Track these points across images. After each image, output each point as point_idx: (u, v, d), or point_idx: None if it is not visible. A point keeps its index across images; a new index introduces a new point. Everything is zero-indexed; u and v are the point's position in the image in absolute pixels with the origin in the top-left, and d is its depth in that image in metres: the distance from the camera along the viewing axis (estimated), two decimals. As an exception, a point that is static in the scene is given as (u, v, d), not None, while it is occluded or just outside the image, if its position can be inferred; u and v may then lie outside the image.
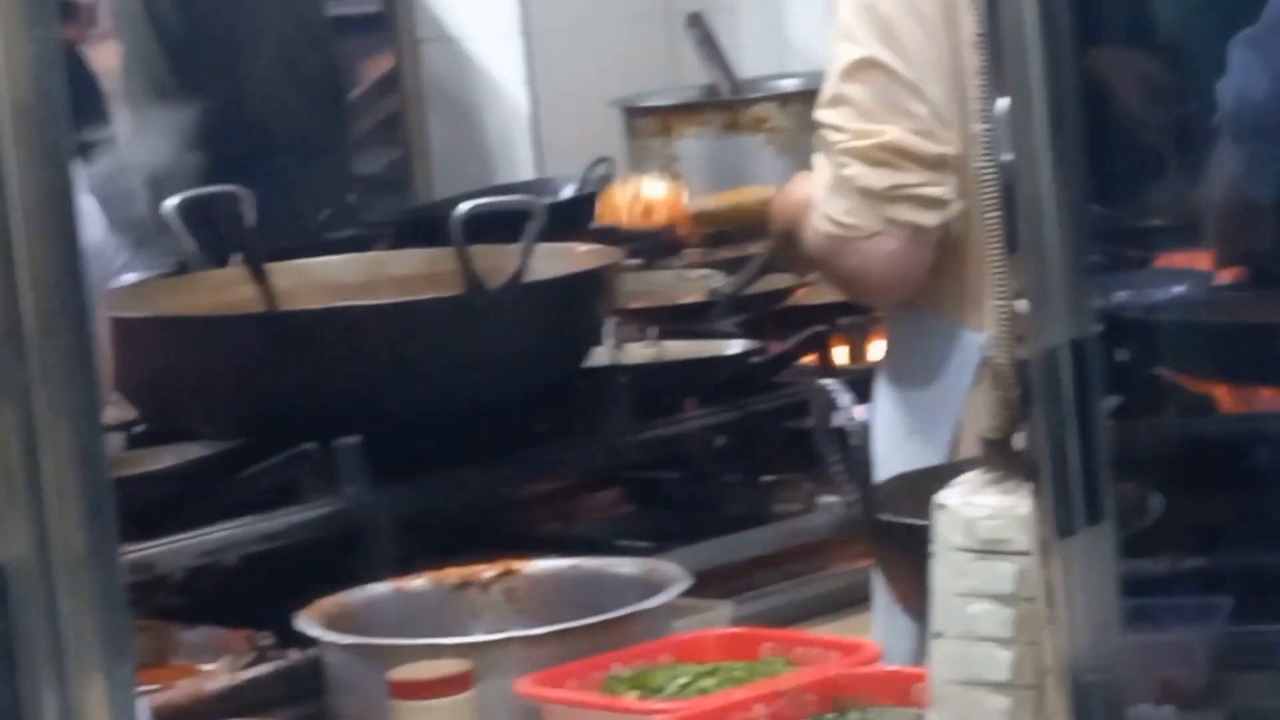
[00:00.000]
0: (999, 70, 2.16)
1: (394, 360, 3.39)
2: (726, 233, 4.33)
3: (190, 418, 3.36)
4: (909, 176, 3.04)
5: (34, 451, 1.90)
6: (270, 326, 3.39)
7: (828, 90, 3.06)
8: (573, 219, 4.25)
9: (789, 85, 4.85)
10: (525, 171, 5.50)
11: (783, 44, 5.45)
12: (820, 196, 3.05)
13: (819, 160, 3.09)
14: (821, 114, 3.06)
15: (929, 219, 3.02)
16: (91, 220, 2.77)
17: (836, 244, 3.07)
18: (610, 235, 4.20)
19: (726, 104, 4.76)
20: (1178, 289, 3.01)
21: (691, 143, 4.79)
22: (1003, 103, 2.13)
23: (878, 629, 3.13)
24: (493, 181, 5.45)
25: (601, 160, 4.78)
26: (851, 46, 3.04)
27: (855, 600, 3.37)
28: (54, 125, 1.90)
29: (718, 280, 4.06)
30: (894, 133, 3.02)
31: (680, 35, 5.12)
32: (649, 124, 4.85)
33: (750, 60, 5.23)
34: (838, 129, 3.02)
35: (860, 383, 3.31)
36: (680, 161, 4.79)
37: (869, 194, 3.02)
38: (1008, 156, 2.16)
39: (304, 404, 3.33)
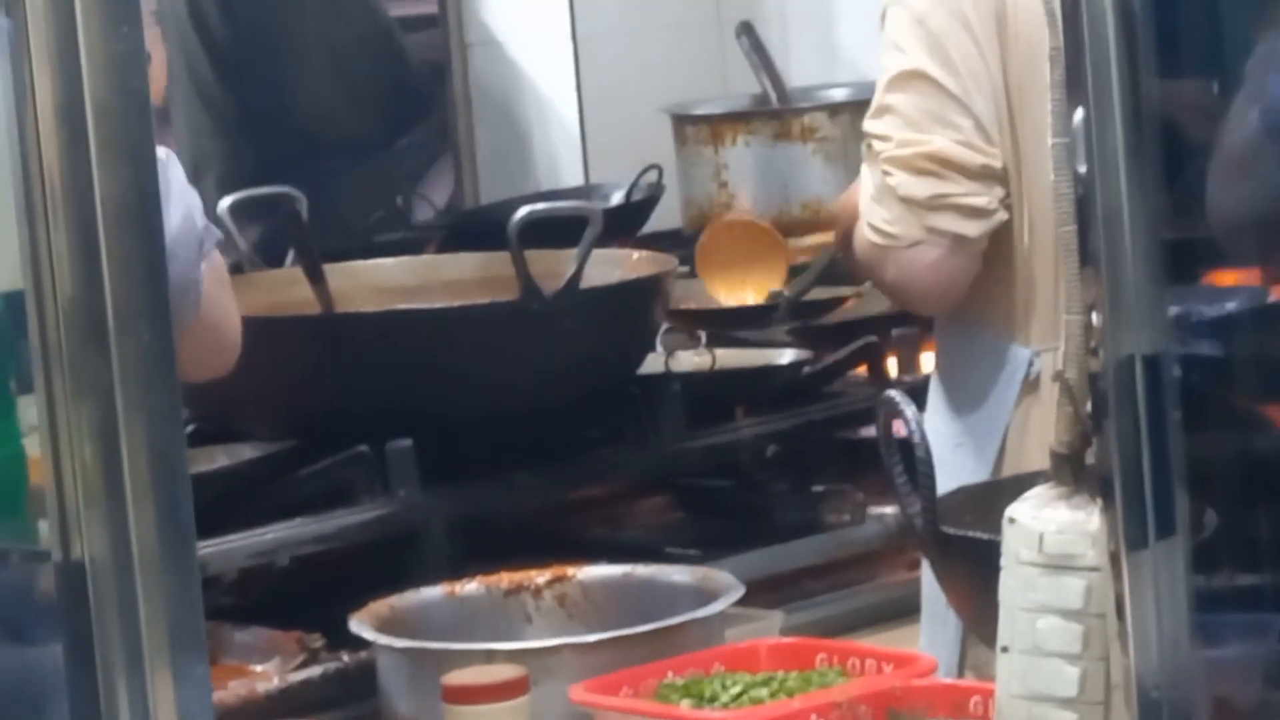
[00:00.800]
0: (1076, 82, 2.17)
1: (450, 364, 3.45)
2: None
3: (244, 418, 3.37)
4: (952, 186, 3.07)
5: (115, 451, 1.92)
6: (327, 329, 3.43)
7: (875, 101, 3.13)
8: (623, 225, 4.28)
9: (838, 95, 4.91)
10: (572, 177, 5.56)
11: (832, 54, 5.50)
12: (865, 205, 3.10)
13: (865, 170, 3.15)
14: (868, 124, 3.12)
15: (971, 229, 3.05)
16: (191, 204, 2.84)
17: (880, 252, 3.11)
18: (660, 240, 4.33)
19: (776, 113, 4.81)
20: (1231, 305, 2.90)
21: (741, 150, 4.83)
22: (1079, 114, 2.15)
23: (923, 639, 3.22)
24: (539, 187, 5.50)
25: (651, 167, 4.83)
26: (900, 57, 3.10)
27: (902, 612, 3.42)
28: (138, 124, 1.93)
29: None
30: (938, 142, 3.07)
31: (730, 43, 5.15)
32: (698, 132, 4.89)
33: (799, 70, 5.26)
34: (883, 138, 3.08)
35: (911, 394, 3.34)
36: (729, 169, 4.82)
37: (911, 202, 3.06)
38: (1084, 168, 2.16)
39: (358, 406, 3.38)
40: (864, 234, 3.08)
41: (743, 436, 3.75)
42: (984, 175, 3.02)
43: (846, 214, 3.27)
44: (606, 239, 3.70)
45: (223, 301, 2.81)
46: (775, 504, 3.69)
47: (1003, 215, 3.03)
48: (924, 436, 2.65)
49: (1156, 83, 2.17)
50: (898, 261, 3.09)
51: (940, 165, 3.02)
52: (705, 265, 4.41)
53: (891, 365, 3.87)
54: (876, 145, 3.05)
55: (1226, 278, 2.92)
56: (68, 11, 1.89)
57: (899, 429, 2.74)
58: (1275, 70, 2.64)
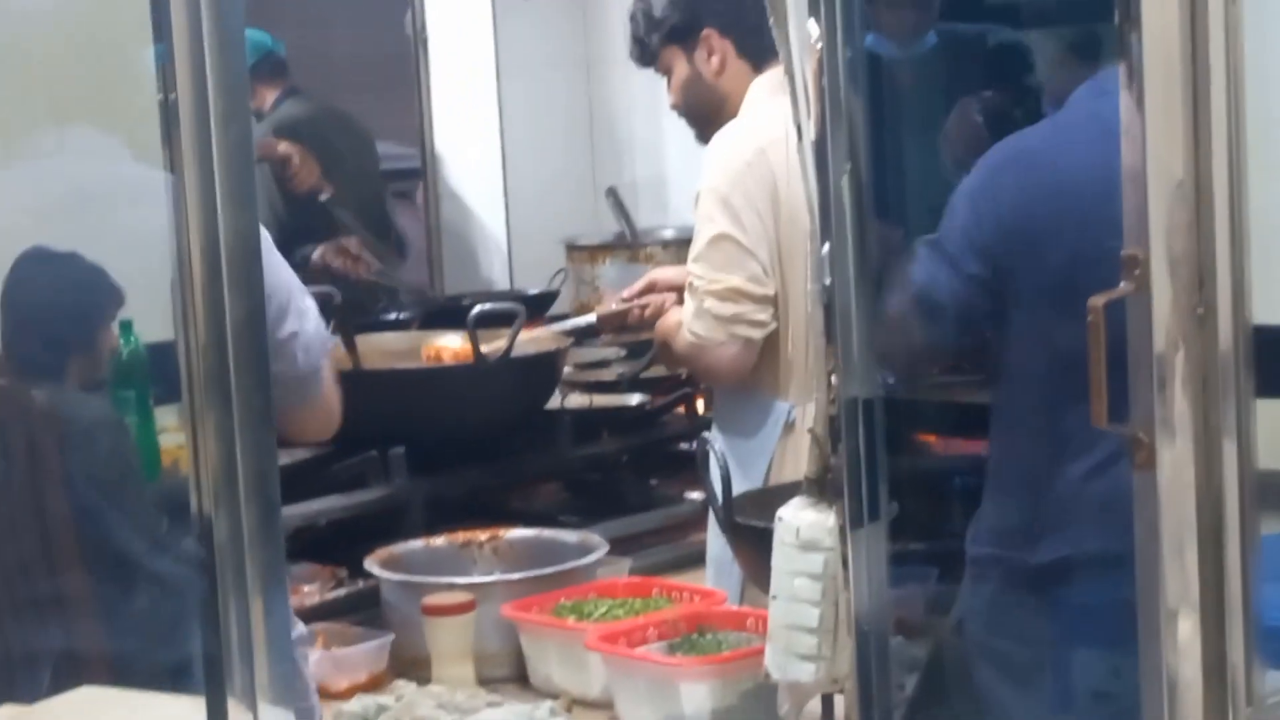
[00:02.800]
0: (825, 228, 2.13)
1: (431, 402, 3.45)
2: (629, 325, 4.19)
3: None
4: (744, 309, 3.06)
5: (232, 448, 1.80)
6: (358, 380, 3.31)
7: (695, 250, 3.09)
8: (539, 307, 4.40)
9: (668, 235, 4.84)
10: (501, 279, 5.48)
11: (664, 207, 5.39)
12: (687, 319, 3.10)
13: (687, 295, 3.12)
14: (691, 265, 3.11)
15: (756, 334, 3.07)
16: (317, 315, 2.58)
17: (697, 350, 3.12)
18: (558, 320, 4.17)
19: (629, 245, 4.76)
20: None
21: (608, 268, 4.71)
22: (825, 248, 2.11)
23: (709, 580, 3.16)
24: (481, 285, 5.40)
25: (559, 272, 4.82)
26: (711, 224, 3.07)
27: (702, 561, 3.32)
28: (252, 256, 1.81)
29: (620, 363, 4.05)
30: (736, 280, 3.06)
31: (601, 199, 5.13)
32: (582, 255, 4.80)
33: (644, 216, 5.16)
34: (700, 276, 3.08)
35: (707, 424, 3.41)
36: (600, 279, 4.69)
37: (719, 318, 3.07)
38: (828, 281, 2.14)
39: (372, 427, 3.25)
40: (685, 338, 3.08)
41: (607, 449, 3.74)
42: (763, 301, 3.05)
43: (662, 332, 3.29)
44: (531, 315, 3.72)
45: (333, 387, 2.64)
46: (627, 491, 3.68)
47: (773, 325, 3.06)
48: (726, 463, 2.61)
49: (874, 229, 2.20)
50: (709, 355, 3.10)
51: (737, 295, 3.04)
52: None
53: (699, 406, 3.85)
54: (696, 281, 3.06)
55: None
56: (208, 172, 1.73)
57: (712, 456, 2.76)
58: (919, 263, 2.68)
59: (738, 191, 2.98)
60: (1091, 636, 2.51)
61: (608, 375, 3.94)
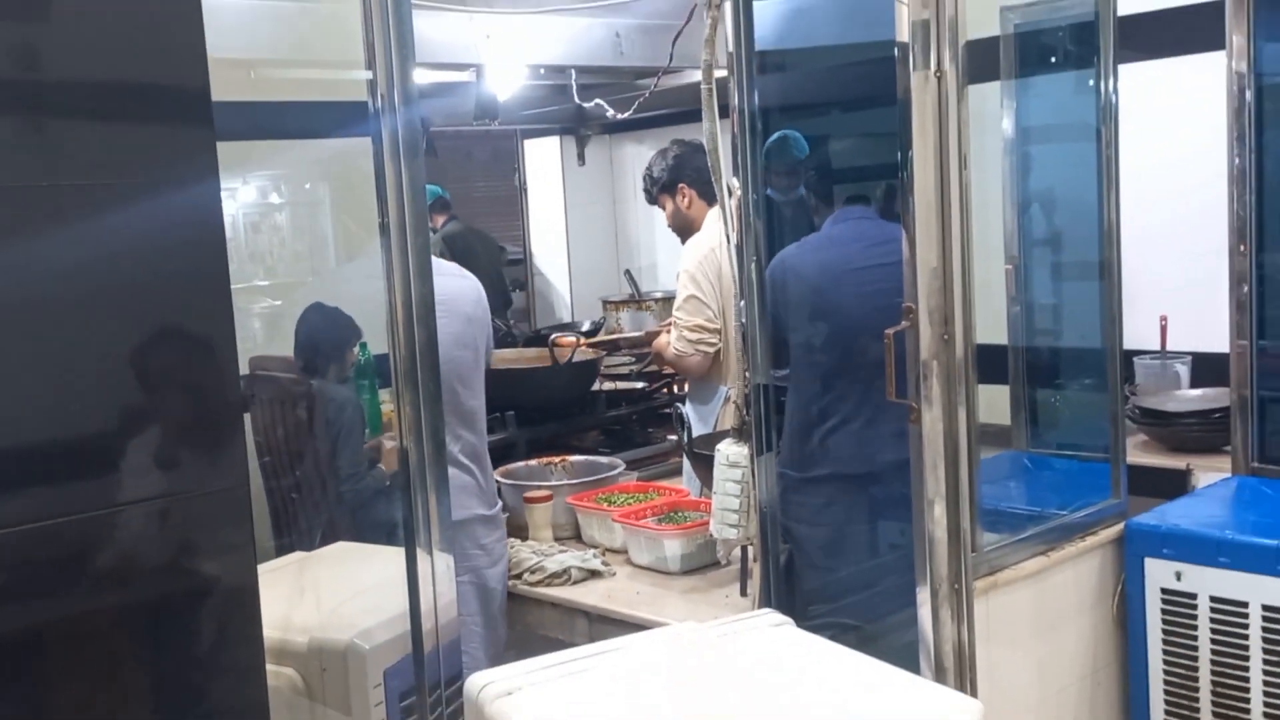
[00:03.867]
0: (743, 292, 2.46)
1: (529, 386, 3.72)
2: (638, 343, 4.66)
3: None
4: (704, 336, 3.42)
5: (418, 410, 2.00)
6: (491, 375, 3.44)
7: (677, 304, 3.51)
8: (588, 335, 4.73)
9: (659, 295, 5.24)
10: (565, 314, 6.10)
11: (657, 280, 5.97)
12: (672, 342, 3.47)
13: (672, 329, 3.47)
14: (675, 312, 3.50)
15: (709, 350, 3.44)
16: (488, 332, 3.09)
17: (680, 359, 3.48)
18: (600, 343, 4.63)
19: (639, 301, 5.13)
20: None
21: (625, 314, 5.04)
22: (745, 302, 2.46)
23: (684, 484, 3.44)
24: (557, 319, 6.01)
25: (601, 316, 5.28)
26: (686, 290, 3.48)
27: (677, 473, 3.80)
28: (427, 261, 2.11)
29: (633, 365, 4.29)
30: (699, 320, 3.41)
31: (623, 275, 5.71)
32: (611, 306, 5.15)
33: (645, 284, 5.78)
34: (680, 320, 3.46)
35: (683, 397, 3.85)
36: (620, 320, 4.98)
37: (690, 341, 3.41)
38: (744, 320, 2.47)
39: (499, 400, 3.46)
40: (671, 352, 3.45)
41: (625, 412, 4.04)
42: (714, 332, 3.43)
43: (657, 348, 3.70)
44: (586, 338, 4.40)
45: None
46: (635, 435, 3.97)
47: (719, 345, 3.45)
48: (689, 420, 3.03)
49: (771, 293, 2.62)
50: (685, 362, 3.43)
51: (700, 329, 3.41)
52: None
53: (677, 388, 4.17)
54: (678, 320, 3.45)
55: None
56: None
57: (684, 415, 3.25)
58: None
59: (700, 271, 3.38)
60: (826, 519, 2.74)
61: (625, 370, 4.31)
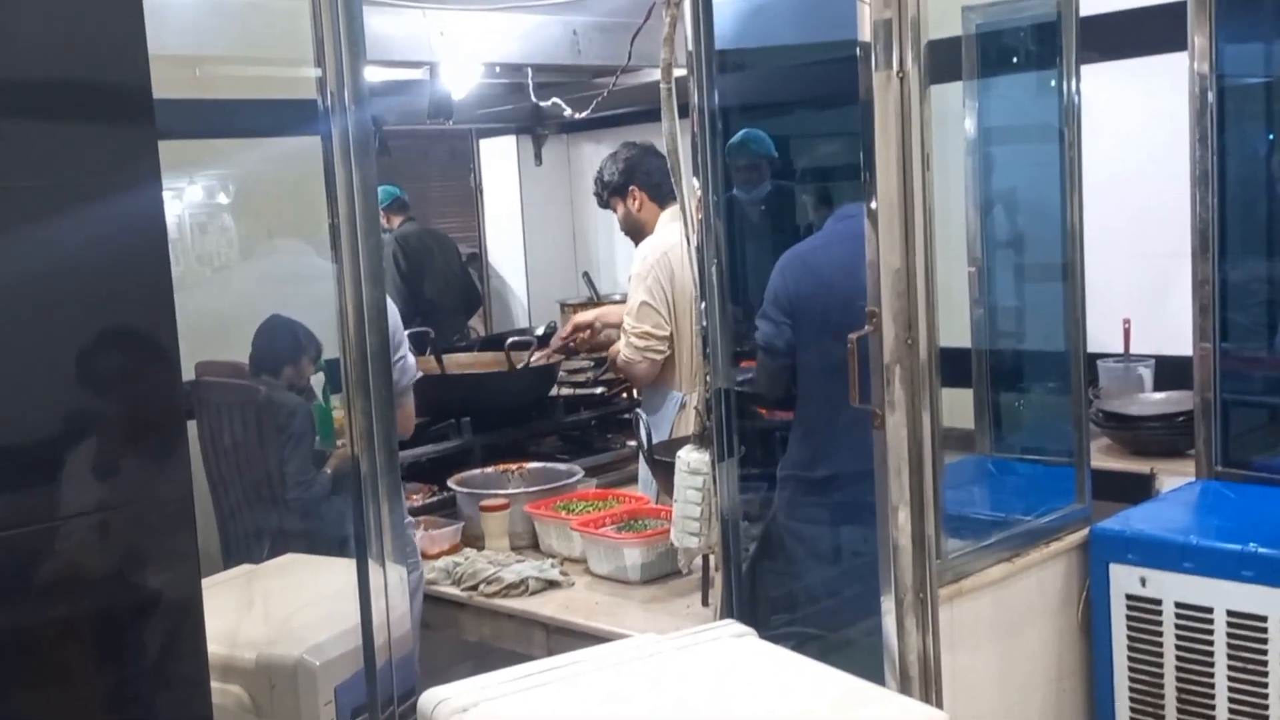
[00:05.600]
0: (704, 294, 2.43)
1: (486, 392, 3.68)
2: (595, 345, 4.65)
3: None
4: (654, 344, 3.37)
5: (370, 418, 1.99)
6: (443, 381, 3.64)
7: (628, 309, 3.46)
8: (545, 339, 4.56)
9: (616, 297, 5.27)
10: (522, 319, 6.02)
11: (614, 280, 5.90)
12: (622, 349, 3.44)
13: (622, 336, 3.43)
14: (626, 319, 3.46)
15: (657, 357, 3.39)
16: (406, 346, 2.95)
17: (627, 365, 3.45)
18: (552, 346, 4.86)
19: (594, 303, 5.14)
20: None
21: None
22: (703, 305, 2.43)
23: (640, 490, 3.42)
24: (513, 325, 5.88)
25: (552, 321, 5.07)
26: (636, 295, 3.43)
27: (633, 480, 3.80)
28: (378, 265, 2.04)
29: (591, 370, 4.21)
30: (647, 327, 3.37)
31: (580, 278, 5.88)
32: (570, 310, 5.18)
33: (603, 286, 5.72)
34: (630, 326, 3.42)
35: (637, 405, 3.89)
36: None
37: (638, 348, 3.36)
38: (704, 324, 2.43)
39: (453, 405, 3.52)
40: (621, 358, 3.41)
41: (583, 417, 4.01)
42: (664, 339, 3.38)
43: (611, 355, 3.63)
44: (542, 344, 4.15)
45: (411, 405, 2.87)
46: (597, 439, 3.96)
47: (668, 353, 3.38)
48: (648, 426, 2.94)
49: (731, 297, 2.58)
50: (634, 368, 3.39)
51: (648, 336, 3.36)
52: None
53: (634, 394, 4.15)
54: (628, 325, 3.41)
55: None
56: (355, 264, 1.93)
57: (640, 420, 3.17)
58: (760, 321, 2.86)
59: (651, 276, 3.33)
60: (848, 520, 2.72)
61: (583, 377, 4.22)
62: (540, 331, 4.86)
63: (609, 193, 3.58)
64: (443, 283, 5.60)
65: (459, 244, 6.06)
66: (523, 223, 6.04)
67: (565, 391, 4.02)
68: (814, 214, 2.86)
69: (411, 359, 2.77)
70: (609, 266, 6.04)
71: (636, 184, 3.57)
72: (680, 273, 3.23)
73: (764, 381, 2.73)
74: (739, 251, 2.67)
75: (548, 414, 3.80)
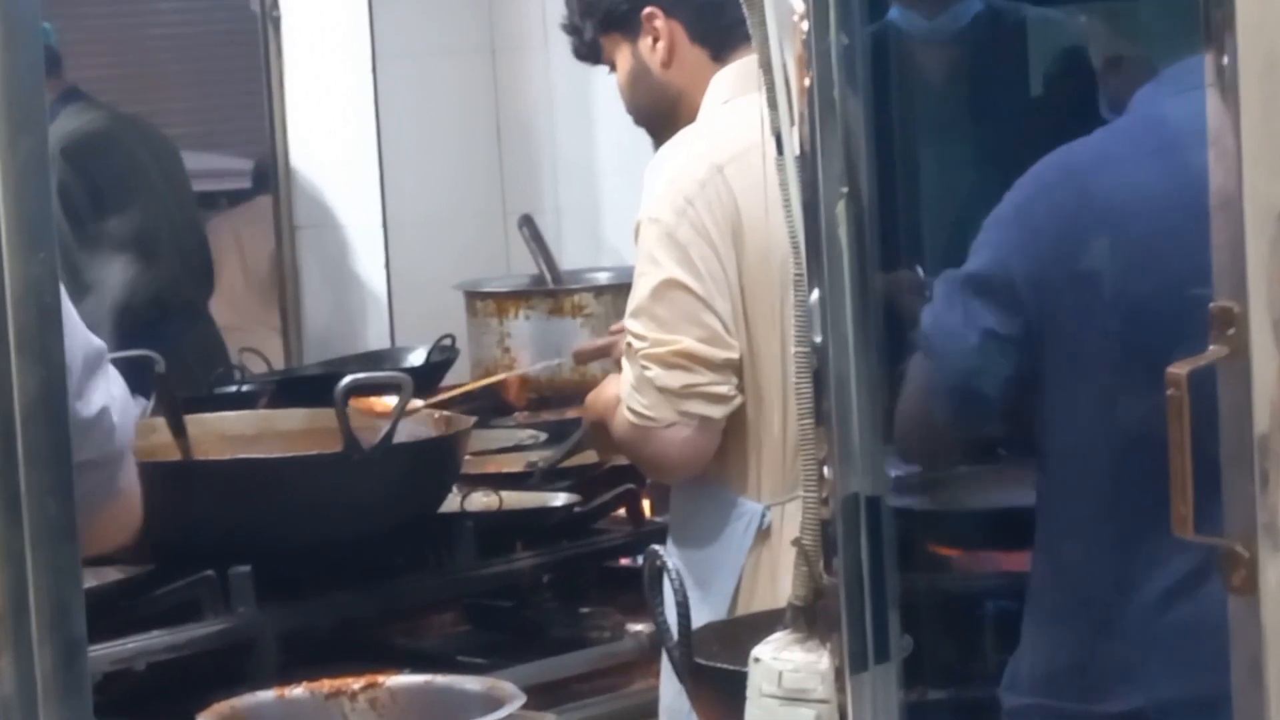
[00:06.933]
0: (814, 269, 2.20)
1: (284, 505, 3.49)
2: (547, 397, 4.38)
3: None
4: (699, 377, 3.12)
5: (22, 569, 1.93)
6: (186, 474, 3.49)
7: (634, 302, 3.15)
8: (423, 382, 4.31)
9: (602, 278, 4.93)
10: (379, 340, 5.59)
11: (598, 240, 5.58)
12: (626, 393, 3.14)
13: (625, 362, 3.18)
14: (628, 322, 3.16)
15: (715, 411, 3.10)
16: (121, 383, 2.75)
17: (640, 433, 3.16)
18: (453, 397, 4.40)
19: (551, 292, 4.87)
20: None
21: (521, 323, 4.87)
22: (814, 295, 2.19)
23: None
24: (353, 349, 5.53)
25: (446, 335, 4.84)
26: (655, 268, 3.13)
27: (651, 714, 3.42)
28: (51, 334, 1.95)
29: (538, 447, 4.21)
30: (687, 341, 3.13)
31: (513, 230, 5.27)
32: (486, 306, 4.90)
33: (570, 252, 5.33)
34: (640, 337, 3.12)
35: (661, 533, 3.51)
36: (511, 338, 4.86)
37: (666, 391, 3.11)
38: (818, 339, 2.21)
39: (208, 537, 3.40)
40: (624, 418, 3.14)
41: (522, 565, 3.77)
42: (724, 367, 3.09)
43: (595, 409, 3.37)
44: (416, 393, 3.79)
45: (135, 471, 2.79)
46: (550, 621, 3.72)
47: (739, 399, 3.09)
48: (683, 585, 2.65)
49: (881, 270, 2.26)
50: (655, 440, 3.15)
51: (689, 360, 3.11)
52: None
53: (646, 508, 3.90)
54: (635, 344, 3.10)
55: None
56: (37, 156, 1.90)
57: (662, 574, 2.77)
58: (936, 307, 2.84)
59: (685, 223, 2.98)
60: None
61: (520, 466, 3.91)
62: (420, 357, 4.40)
63: (599, 25, 3.32)
64: (160, 241, 5.08)
65: (190, 151, 5.22)
66: (376, 101, 5.20)
67: (478, 503, 3.77)
68: (1110, 82, 2.75)
69: (121, 394, 2.71)
70: (584, 206, 5.36)
71: (663, 6, 3.23)
72: (761, 216, 2.93)
73: (916, 434, 2.65)
74: (905, 166, 2.65)
75: (439, 554, 3.61)
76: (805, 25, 2.16)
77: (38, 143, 1.88)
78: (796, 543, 2.26)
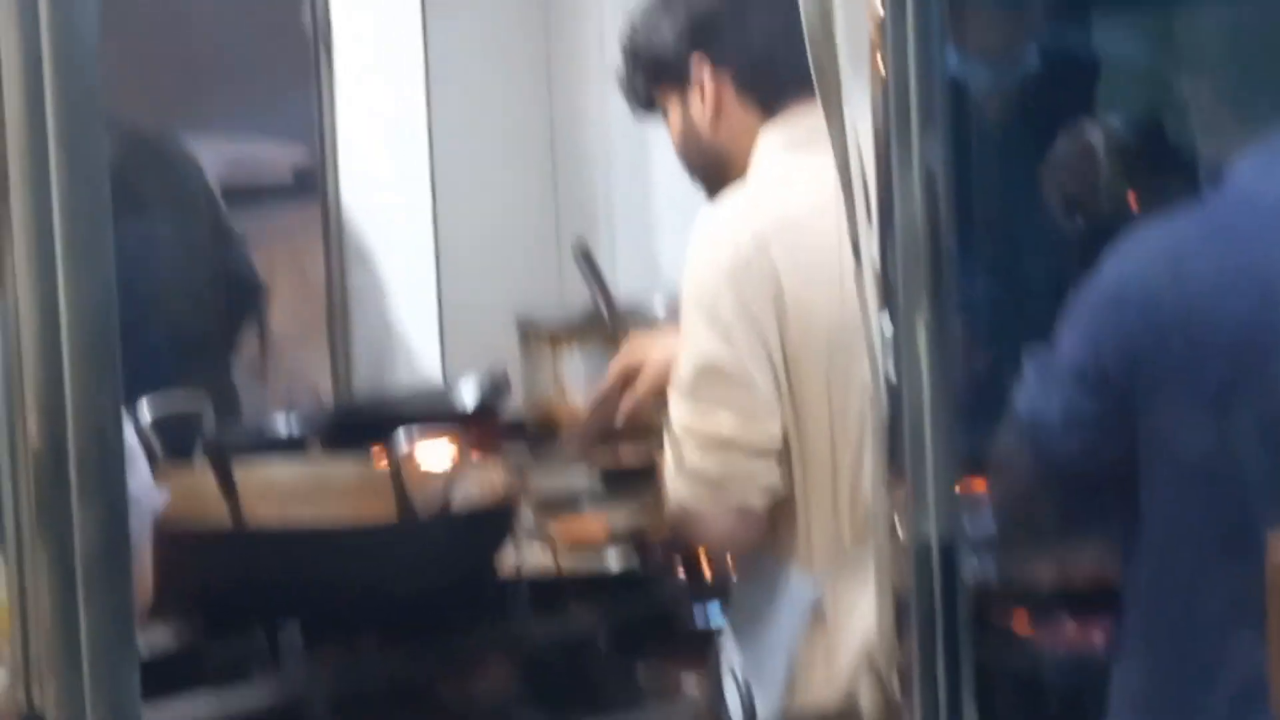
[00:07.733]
0: (888, 299, 2.17)
1: (338, 572, 3.57)
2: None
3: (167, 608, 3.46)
4: (738, 467, 3.09)
5: (74, 615, 1.94)
6: (238, 543, 3.56)
7: (679, 379, 3.13)
8: (477, 418, 4.49)
9: (659, 311, 4.76)
10: (430, 366, 5.60)
11: (654, 268, 5.56)
12: (668, 477, 3.13)
13: (666, 436, 3.15)
14: (672, 396, 3.16)
15: (757, 501, 3.05)
16: (138, 459, 2.87)
17: (683, 518, 3.17)
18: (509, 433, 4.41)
19: (606, 324, 4.83)
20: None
21: (575, 357, 4.73)
22: (889, 329, 2.16)
23: None
24: (401, 376, 5.61)
25: (499, 366, 4.84)
26: (694, 346, 3.11)
27: None
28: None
29: (597, 500, 4.16)
30: (727, 429, 3.08)
31: (566, 253, 5.07)
32: (539, 338, 4.75)
33: (625, 280, 5.23)
34: (680, 418, 3.13)
35: (715, 591, 3.65)
36: (565, 374, 4.73)
37: (703, 479, 3.07)
38: (893, 379, 2.17)
39: (257, 595, 3.49)
40: (669, 500, 3.15)
41: (580, 625, 3.85)
42: (765, 452, 3.04)
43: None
44: (467, 433, 3.88)
45: (147, 559, 2.90)
46: (605, 679, 3.75)
47: (781, 489, 3.06)
48: (749, 691, 2.86)
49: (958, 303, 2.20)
50: (698, 527, 3.16)
51: (728, 447, 3.07)
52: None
53: (705, 567, 3.89)
54: (675, 424, 3.10)
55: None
56: (46, 230, 1.84)
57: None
58: (1024, 391, 2.81)
59: (727, 299, 2.95)
60: None
61: (584, 532, 3.71)
62: (471, 389, 4.36)
63: (654, 76, 3.17)
64: (180, 267, 4.95)
65: (206, 171, 4.90)
66: (429, 124, 5.21)
67: (534, 559, 4.19)
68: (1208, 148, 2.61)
69: (143, 476, 2.70)
70: (641, 234, 5.30)
71: (711, 55, 3.14)
72: (803, 280, 2.93)
73: (1011, 514, 2.73)
74: (981, 226, 2.65)
75: (494, 611, 3.55)
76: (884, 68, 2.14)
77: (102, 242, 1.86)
78: (870, 660, 2.42)
